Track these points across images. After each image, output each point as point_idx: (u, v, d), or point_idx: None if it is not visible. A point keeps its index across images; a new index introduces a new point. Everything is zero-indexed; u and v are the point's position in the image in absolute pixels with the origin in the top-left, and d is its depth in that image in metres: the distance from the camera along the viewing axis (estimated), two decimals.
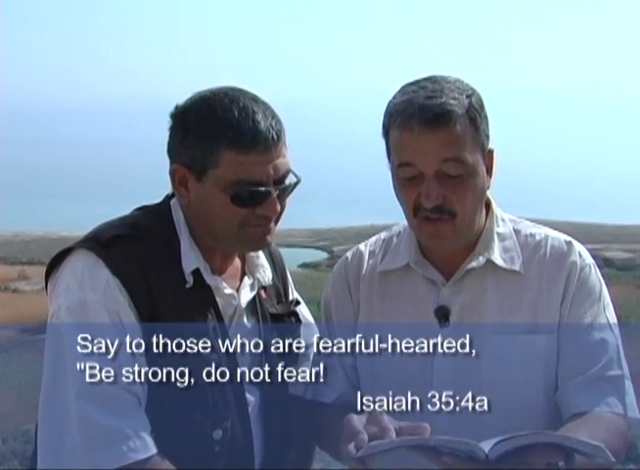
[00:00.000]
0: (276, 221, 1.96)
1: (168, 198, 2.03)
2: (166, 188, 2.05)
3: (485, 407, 1.93)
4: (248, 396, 1.99)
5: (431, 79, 1.91)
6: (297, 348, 2.14)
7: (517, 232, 2.05)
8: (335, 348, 2.09)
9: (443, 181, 1.87)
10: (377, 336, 2.04)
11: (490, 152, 1.95)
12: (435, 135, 1.85)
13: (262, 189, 1.87)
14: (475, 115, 1.89)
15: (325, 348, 2.11)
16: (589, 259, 2.02)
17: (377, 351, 2.04)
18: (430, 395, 1.95)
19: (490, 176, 1.97)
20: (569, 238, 2.06)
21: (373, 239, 2.18)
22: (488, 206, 2.05)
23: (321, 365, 2.10)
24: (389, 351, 2.02)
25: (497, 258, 1.99)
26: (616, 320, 2.01)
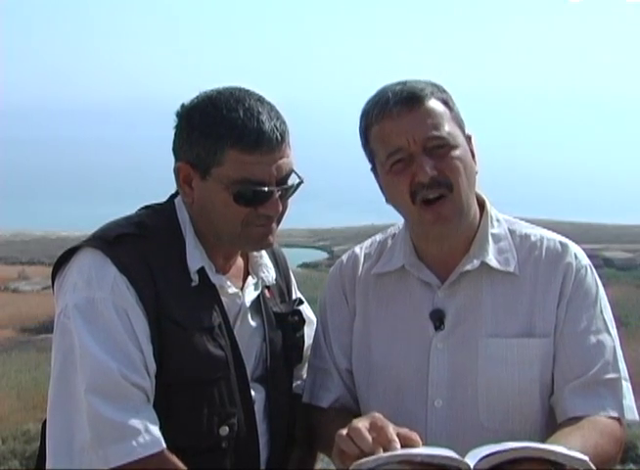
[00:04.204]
0: (278, 221, 1.96)
1: (173, 197, 2.03)
2: (167, 189, 2.05)
3: (480, 411, 1.92)
4: (253, 393, 1.99)
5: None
6: (301, 346, 2.15)
7: (512, 233, 2.03)
8: (329, 352, 2.09)
9: (432, 155, 1.89)
10: (372, 339, 2.04)
11: (469, 137, 1.98)
12: (414, 114, 1.89)
13: (265, 189, 1.87)
14: (446, 98, 1.95)
15: (321, 352, 2.11)
16: (585, 261, 2.00)
17: (372, 353, 2.04)
18: (426, 398, 1.95)
19: (475, 162, 1.97)
20: (564, 239, 2.03)
21: (368, 241, 2.17)
22: (482, 206, 2.03)
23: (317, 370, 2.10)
24: (385, 353, 2.02)
25: (492, 259, 1.97)
26: (613, 322, 1.98)
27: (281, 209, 1.92)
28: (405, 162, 1.89)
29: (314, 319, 2.25)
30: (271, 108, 1.90)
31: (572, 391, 1.89)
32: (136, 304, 1.83)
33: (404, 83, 1.94)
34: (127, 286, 1.83)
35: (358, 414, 1.90)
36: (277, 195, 1.89)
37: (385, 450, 1.58)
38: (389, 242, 2.11)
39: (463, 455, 1.56)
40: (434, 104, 1.91)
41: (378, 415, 1.66)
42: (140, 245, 1.89)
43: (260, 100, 1.90)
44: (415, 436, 1.64)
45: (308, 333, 2.17)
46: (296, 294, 2.23)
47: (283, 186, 1.90)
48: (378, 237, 2.16)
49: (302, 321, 2.15)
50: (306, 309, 2.23)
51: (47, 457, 1.84)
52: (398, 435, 1.62)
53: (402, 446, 1.61)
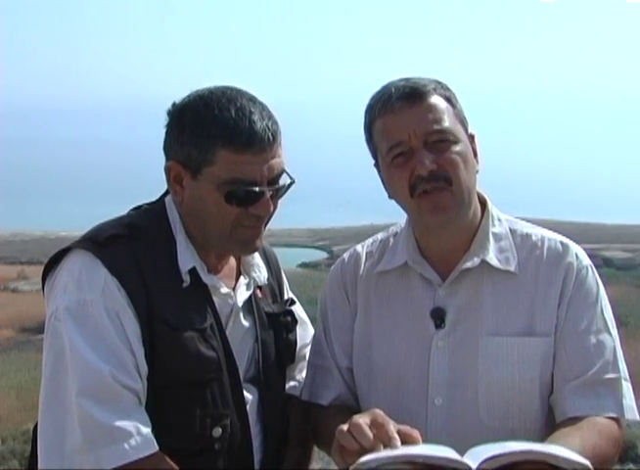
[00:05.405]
0: (266, 223, 1.95)
1: (163, 196, 2.02)
2: (164, 189, 2.04)
3: (480, 409, 1.92)
4: (246, 394, 1.98)
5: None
6: (294, 347, 2.14)
7: (513, 232, 2.03)
8: (329, 350, 2.08)
9: (433, 150, 1.90)
10: (373, 337, 2.04)
11: (472, 136, 1.99)
12: (416, 109, 1.90)
13: (256, 189, 1.86)
14: (449, 95, 1.96)
15: (321, 350, 2.10)
16: (586, 261, 1.99)
17: (373, 352, 2.03)
18: (426, 396, 1.95)
19: (477, 161, 1.98)
20: (565, 239, 2.03)
21: (370, 240, 2.17)
22: (484, 205, 2.03)
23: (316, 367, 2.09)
24: (386, 351, 2.02)
25: (492, 258, 1.97)
26: (614, 322, 1.98)
27: (272, 209, 1.91)
28: (406, 155, 1.90)
29: (306, 320, 2.25)
30: (263, 108, 1.88)
31: (572, 390, 1.89)
32: (127, 305, 1.82)
33: (408, 79, 1.95)
34: (118, 288, 1.82)
35: (358, 412, 1.89)
36: (268, 195, 1.88)
37: (385, 447, 1.58)
38: (391, 240, 2.11)
39: (462, 454, 1.55)
40: (436, 100, 1.92)
41: (379, 412, 1.66)
42: (130, 246, 1.87)
43: (252, 100, 1.88)
44: (416, 433, 1.63)
45: (301, 333, 2.17)
46: (287, 294, 2.22)
47: (274, 186, 1.89)
48: (380, 236, 2.16)
49: (295, 321, 2.14)
50: (298, 310, 2.23)
51: (39, 461, 1.82)
52: (399, 432, 1.61)
53: (403, 443, 1.60)
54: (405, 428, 1.63)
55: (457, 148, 1.90)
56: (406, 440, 1.61)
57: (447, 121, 1.90)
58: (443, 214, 1.90)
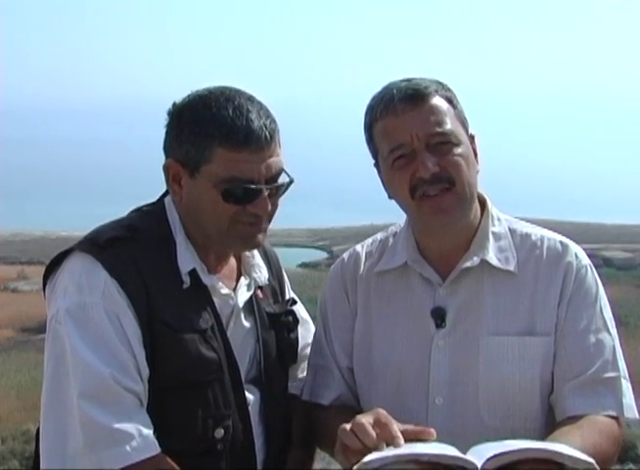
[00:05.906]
0: (269, 221, 1.95)
1: (163, 196, 2.02)
2: (163, 189, 2.04)
3: (481, 408, 1.92)
4: (247, 395, 1.98)
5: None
6: (295, 347, 2.14)
7: (512, 232, 2.03)
8: (330, 350, 2.09)
9: (435, 152, 1.90)
10: (374, 337, 2.04)
11: (472, 137, 1.99)
12: (418, 111, 1.91)
13: (253, 187, 1.86)
14: (450, 96, 1.96)
15: (321, 350, 2.11)
16: (586, 261, 2.00)
17: (373, 351, 2.04)
18: (427, 395, 1.95)
19: (477, 161, 1.99)
20: (564, 239, 2.04)
21: (369, 240, 2.18)
22: (484, 205, 2.04)
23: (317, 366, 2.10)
24: (386, 351, 2.02)
25: (492, 257, 1.97)
26: (613, 321, 1.99)
27: (270, 207, 1.91)
28: (407, 158, 1.90)
29: (308, 319, 2.25)
30: (261, 107, 1.89)
31: (572, 390, 1.89)
32: (127, 307, 1.82)
33: (409, 80, 1.95)
34: (118, 290, 1.82)
35: (359, 412, 1.90)
36: (266, 193, 1.88)
37: (388, 446, 1.58)
38: (391, 240, 2.12)
39: (464, 453, 1.55)
40: (437, 101, 1.92)
41: (382, 411, 1.67)
42: (130, 248, 1.87)
43: (250, 99, 1.89)
44: (431, 430, 1.64)
45: (302, 333, 2.17)
46: (289, 294, 2.22)
47: (272, 185, 1.89)
48: (379, 236, 2.17)
49: (296, 321, 2.14)
50: (300, 309, 2.23)
51: (41, 464, 1.82)
52: (407, 432, 1.62)
53: (412, 441, 1.61)
54: (412, 428, 1.64)
55: (459, 150, 1.91)
56: (421, 436, 1.62)
57: (449, 123, 1.91)
58: (446, 216, 1.91)
